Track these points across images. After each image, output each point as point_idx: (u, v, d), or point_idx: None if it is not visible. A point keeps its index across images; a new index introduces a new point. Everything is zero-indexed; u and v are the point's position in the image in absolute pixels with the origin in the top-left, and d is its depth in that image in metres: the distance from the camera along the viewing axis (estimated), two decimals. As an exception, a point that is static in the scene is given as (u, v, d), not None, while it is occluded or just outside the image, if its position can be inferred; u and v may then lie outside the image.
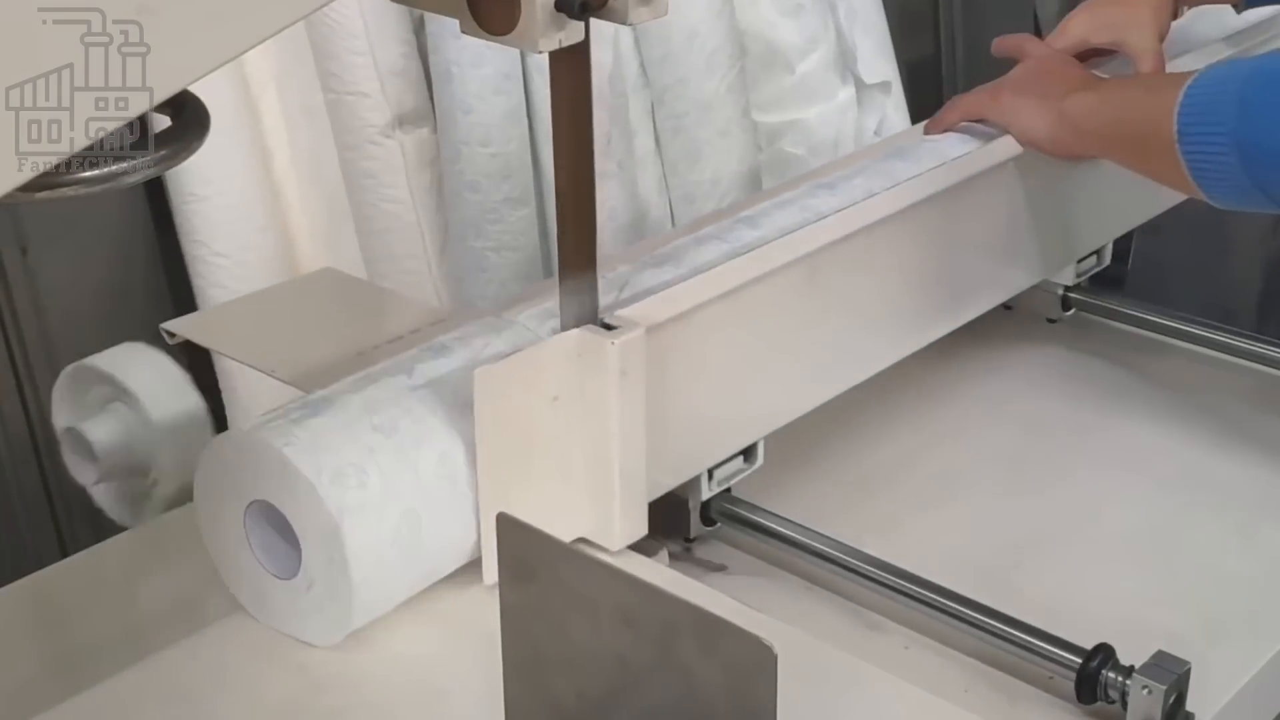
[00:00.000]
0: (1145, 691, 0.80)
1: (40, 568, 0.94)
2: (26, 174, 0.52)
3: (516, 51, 1.40)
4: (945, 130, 1.10)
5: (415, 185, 1.46)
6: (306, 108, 1.46)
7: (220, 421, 1.44)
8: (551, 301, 0.88)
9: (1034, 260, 1.14)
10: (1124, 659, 0.82)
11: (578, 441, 0.86)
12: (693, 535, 0.95)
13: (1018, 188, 1.09)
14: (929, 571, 0.89)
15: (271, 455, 0.81)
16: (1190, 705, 0.82)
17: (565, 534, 0.87)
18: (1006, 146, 1.07)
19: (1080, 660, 0.83)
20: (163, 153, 0.66)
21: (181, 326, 1.13)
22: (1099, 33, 1.15)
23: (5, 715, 0.79)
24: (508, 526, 0.70)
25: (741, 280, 0.91)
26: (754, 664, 0.63)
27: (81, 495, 1.45)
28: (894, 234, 1.00)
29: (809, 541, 0.93)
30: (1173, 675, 0.80)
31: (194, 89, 0.68)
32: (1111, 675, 0.82)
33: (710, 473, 0.94)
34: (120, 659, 0.83)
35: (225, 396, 1.43)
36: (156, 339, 1.49)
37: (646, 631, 0.67)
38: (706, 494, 0.94)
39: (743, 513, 0.95)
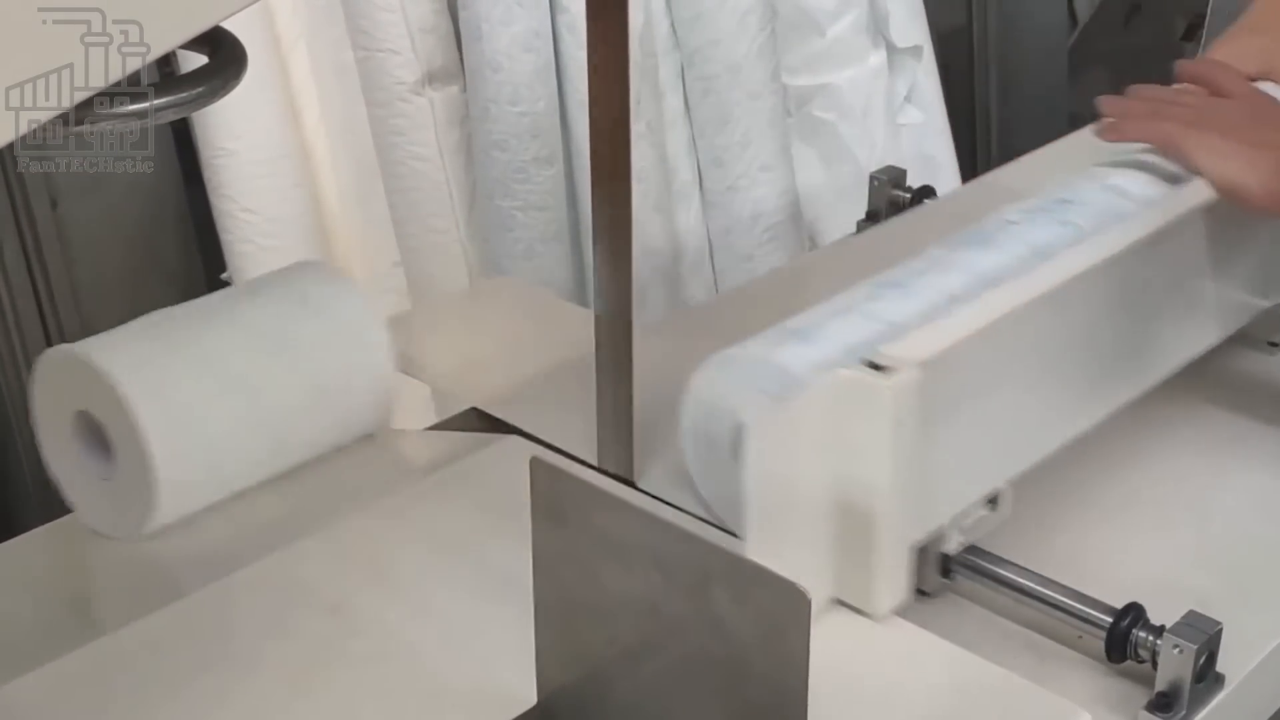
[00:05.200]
0: (1176, 651, 0.79)
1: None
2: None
3: (547, 9, 1.40)
4: (1122, 140, 1.00)
5: (444, 143, 1.45)
6: (337, 65, 1.46)
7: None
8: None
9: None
10: (1154, 619, 0.82)
11: (843, 494, 0.79)
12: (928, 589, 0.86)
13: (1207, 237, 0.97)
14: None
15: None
16: (1220, 667, 0.82)
17: (820, 596, 0.80)
18: (1198, 192, 0.96)
19: (1111, 619, 0.82)
20: (198, 90, 0.66)
21: None
22: (1246, 63, 1.07)
23: (35, 656, 0.80)
24: (540, 470, 0.70)
25: (1002, 313, 0.83)
26: (788, 610, 0.63)
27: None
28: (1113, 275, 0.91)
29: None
30: (1204, 635, 0.79)
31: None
32: (1142, 635, 0.81)
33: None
34: (151, 602, 0.84)
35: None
36: (183, 293, 1.50)
37: (678, 577, 0.66)
38: (956, 547, 0.85)
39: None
